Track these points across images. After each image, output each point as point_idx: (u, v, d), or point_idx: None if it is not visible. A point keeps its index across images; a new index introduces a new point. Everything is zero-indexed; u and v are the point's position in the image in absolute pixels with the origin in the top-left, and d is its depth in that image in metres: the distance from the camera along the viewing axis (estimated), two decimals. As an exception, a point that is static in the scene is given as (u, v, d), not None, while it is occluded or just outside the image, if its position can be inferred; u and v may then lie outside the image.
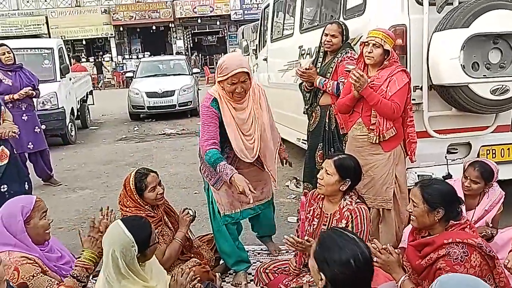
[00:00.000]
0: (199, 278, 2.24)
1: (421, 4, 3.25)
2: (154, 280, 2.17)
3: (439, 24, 3.18)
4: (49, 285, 2.12)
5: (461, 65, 3.03)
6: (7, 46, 5.33)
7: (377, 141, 3.00)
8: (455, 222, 2.15)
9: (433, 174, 3.37)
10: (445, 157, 3.47)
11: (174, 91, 11.42)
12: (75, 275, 2.14)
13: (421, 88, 3.33)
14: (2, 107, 3.49)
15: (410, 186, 3.25)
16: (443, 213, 2.10)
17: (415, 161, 3.20)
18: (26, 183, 3.61)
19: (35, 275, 2.10)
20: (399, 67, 3.03)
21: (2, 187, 3.36)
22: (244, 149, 2.88)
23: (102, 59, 24.54)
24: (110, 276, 2.02)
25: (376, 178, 3.02)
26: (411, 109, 3.13)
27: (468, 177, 2.86)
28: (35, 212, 2.25)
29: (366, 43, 3.04)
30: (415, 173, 3.41)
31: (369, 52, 3.00)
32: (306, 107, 3.89)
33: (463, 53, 3.03)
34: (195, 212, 3.02)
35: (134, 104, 11.61)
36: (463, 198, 2.31)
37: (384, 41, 2.97)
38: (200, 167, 3.14)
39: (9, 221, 2.18)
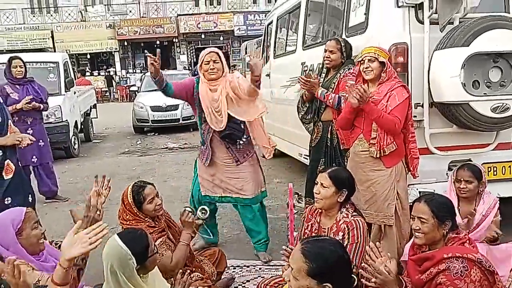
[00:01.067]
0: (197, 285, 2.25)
1: (422, 23, 3.31)
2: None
3: (440, 43, 3.23)
4: (41, 277, 2.09)
5: (461, 83, 3.07)
6: (21, 59, 5.39)
7: (378, 156, 3.03)
8: (453, 236, 2.17)
9: (434, 190, 3.37)
10: (447, 174, 3.48)
11: (178, 105, 11.51)
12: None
13: (422, 105, 3.37)
14: (10, 121, 3.53)
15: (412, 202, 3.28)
16: (450, 225, 2.12)
17: (418, 176, 3.22)
18: (30, 195, 3.63)
19: (27, 271, 2.03)
20: (399, 83, 3.08)
21: (6, 199, 3.37)
22: (214, 121, 3.54)
23: (113, 72, 24.71)
24: None
25: (378, 194, 3.04)
26: (412, 125, 3.16)
27: (462, 179, 2.96)
28: (26, 223, 2.23)
29: (361, 61, 3.11)
30: (417, 189, 3.42)
31: (366, 68, 3.07)
32: (302, 113, 3.91)
33: (463, 71, 3.08)
34: (208, 211, 3.03)
35: (139, 117, 11.79)
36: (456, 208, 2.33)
37: (378, 54, 3.04)
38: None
39: (0, 235, 2.15)
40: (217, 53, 3.56)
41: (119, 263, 2.01)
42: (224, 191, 3.71)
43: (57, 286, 1.72)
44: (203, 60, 3.55)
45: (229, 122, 3.53)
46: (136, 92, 13.38)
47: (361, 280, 2.08)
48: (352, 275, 1.74)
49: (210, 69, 3.51)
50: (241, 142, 3.63)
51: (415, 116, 3.30)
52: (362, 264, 2.11)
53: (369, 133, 3.07)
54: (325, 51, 3.66)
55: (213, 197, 3.76)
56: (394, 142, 3.03)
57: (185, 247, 2.79)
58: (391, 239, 3.06)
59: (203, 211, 3.00)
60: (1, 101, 3.55)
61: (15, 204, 3.33)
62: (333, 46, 3.63)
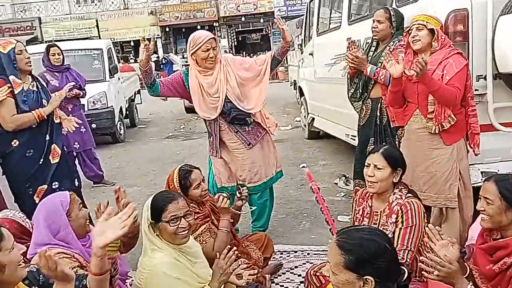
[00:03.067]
0: (240, 262, 2.29)
1: (484, -15, 2.99)
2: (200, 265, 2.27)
3: (506, 7, 2.91)
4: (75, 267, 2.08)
5: (532, 50, 2.76)
6: (58, 47, 5.46)
7: (436, 131, 2.79)
8: None
9: (498, 170, 3.10)
10: (512, 152, 3.19)
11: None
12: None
13: (485, 78, 3.07)
14: None
15: (474, 183, 3.02)
16: None
17: (478, 154, 2.95)
18: (76, 180, 3.65)
19: (72, 268, 2.03)
20: (454, 50, 2.82)
21: (53, 184, 3.40)
22: (206, 109, 3.33)
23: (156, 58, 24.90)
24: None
25: (438, 174, 2.80)
26: (472, 98, 2.89)
27: None
28: (73, 204, 2.24)
29: (409, 31, 2.91)
30: (478, 169, 3.16)
31: (414, 37, 2.86)
32: (351, 92, 3.68)
33: (534, 37, 2.76)
34: (242, 189, 2.99)
35: None
36: None
37: (427, 22, 2.82)
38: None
39: (51, 218, 2.16)
40: (215, 39, 3.26)
41: (144, 209, 2.23)
42: (238, 180, 3.47)
43: (96, 276, 1.65)
44: (200, 47, 3.19)
45: (230, 104, 3.29)
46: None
47: (422, 272, 1.89)
48: (402, 267, 1.56)
49: (210, 57, 3.20)
50: (249, 122, 3.39)
51: (476, 90, 3.03)
52: (421, 258, 1.92)
53: (426, 107, 2.83)
54: (373, 21, 3.44)
55: (230, 187, 3.45)
56: (453, 115, 2.78)
57: (226, 234, 2.70)
58: (454, 223, 2.83)
59: (239, 192, 2.97)
60: (45, 86, 3.56)
61: (62, 188, 3.37)
62: (381, 15, 3.40)
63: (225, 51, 23.74)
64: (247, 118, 3.37)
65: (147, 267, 2.11)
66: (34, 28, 23.94)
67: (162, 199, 2.22)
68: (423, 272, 1.90)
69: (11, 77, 3.22)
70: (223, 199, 2.73)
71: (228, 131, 3.38)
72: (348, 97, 3.77)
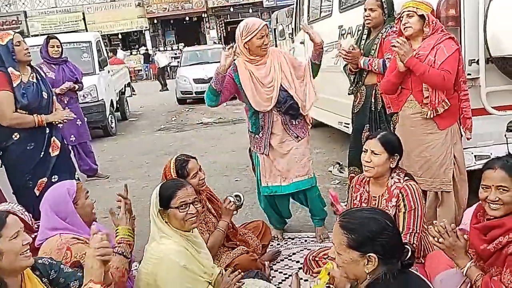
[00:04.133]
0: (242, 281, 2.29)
1: (476, -31, 3.00)
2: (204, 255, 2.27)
3: (497, -9, 2.93)
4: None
5: (525, 34, 2.78)
6: (57, 39, 5.44)
7: (431, 116, 2.82)
8: None
9: (491, 154, 3.14)
10: (505, 135, 3.22)
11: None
12: (121, 252, 2.11)
13: (477, 62, 3.09)
14: (54, 97, 3.53)
15: (468, 167, 3.07)
16: None
17: (470, 138, 2.99)
18: (75, 173, 3.63)
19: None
20: (446, 35, 2.84)
21: (53, 177, 3.36)
22: (261, 101, 3.15)
23: (144, 50, 24.75)
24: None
25: (433, 159, 2.83)
26: (464, 82, 2.92)
27: None
28: (79, 193, 2.27)
29: (400, 18, 2.91)
30: (472, 153, 3.20)
31: (405, 23, 2.87)
32: (352, 88, 3.71)
33: (526, 20, 2.79)
34: (242, 198, 2.94)
35: (183, 90, 12.64)
36: None
37: (417, 8, 2.83)
38: (249, 148, 3.46)
39: (58, 205, 2.19)
40: (267, 25, 3.13)
41: (153, 196, 2.23)
42: (284, 180, 3.27)
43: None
44: (255, 34, 3.03)
45: (285, 93, 3.15)
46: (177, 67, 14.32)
47: (428, 238, 1.95)
48: (406, 245, 1.60)
49: (264, 44, 3.07)
50: (299, 115, 3.24)
51: (469, 74, 3.06)
52: (430, 227, 1.96)
53: (420, 93, 2.85)
54: (365, 10, 3.44)
55: (273, 187, 3.30)
56: (447, 100, 2.80)
57: (221, 234, 2.74)
58: (449, 206, 2.87)
59: (238, 198, 2.92)
60: (44, 77, 3.52)
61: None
62: (373, 3, 3.40)
63: (214, 42, 23.59)
64: (299, 109, 3.21)
65: (156, 253, 2.12)
66: (20, 22, 23.59)
67: (171, 186, 2.24)
68: (429, 238, 1.96)
69: (10, 69, 3.17)
70: (229, 202, 2.78)
71: (280, 123, 3.21)
72: (349, 93, 3.77)
